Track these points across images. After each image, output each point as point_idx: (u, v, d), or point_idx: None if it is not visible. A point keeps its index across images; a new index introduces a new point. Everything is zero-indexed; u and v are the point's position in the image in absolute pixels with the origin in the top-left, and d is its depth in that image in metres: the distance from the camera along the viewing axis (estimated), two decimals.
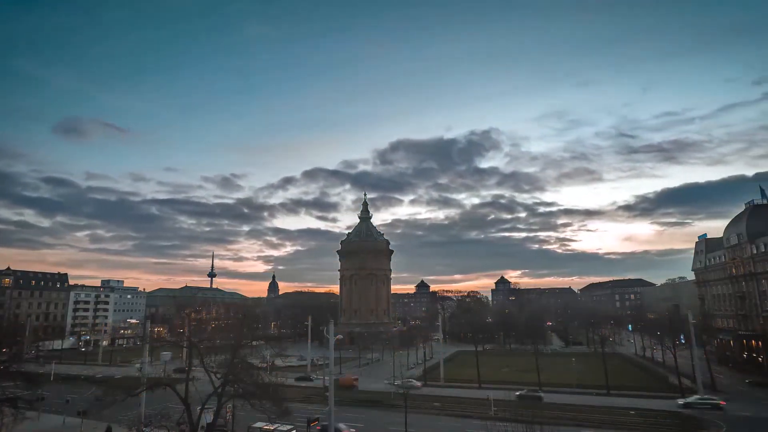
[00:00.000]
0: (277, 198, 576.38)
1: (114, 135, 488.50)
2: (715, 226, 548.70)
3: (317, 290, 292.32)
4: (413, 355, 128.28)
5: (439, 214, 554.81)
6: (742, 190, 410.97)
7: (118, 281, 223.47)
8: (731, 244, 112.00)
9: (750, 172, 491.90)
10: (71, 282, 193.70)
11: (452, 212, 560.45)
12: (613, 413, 65.22)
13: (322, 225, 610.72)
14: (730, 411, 66.90)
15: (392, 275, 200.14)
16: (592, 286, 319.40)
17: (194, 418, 42.27)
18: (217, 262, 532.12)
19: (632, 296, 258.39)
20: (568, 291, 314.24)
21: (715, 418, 62.71)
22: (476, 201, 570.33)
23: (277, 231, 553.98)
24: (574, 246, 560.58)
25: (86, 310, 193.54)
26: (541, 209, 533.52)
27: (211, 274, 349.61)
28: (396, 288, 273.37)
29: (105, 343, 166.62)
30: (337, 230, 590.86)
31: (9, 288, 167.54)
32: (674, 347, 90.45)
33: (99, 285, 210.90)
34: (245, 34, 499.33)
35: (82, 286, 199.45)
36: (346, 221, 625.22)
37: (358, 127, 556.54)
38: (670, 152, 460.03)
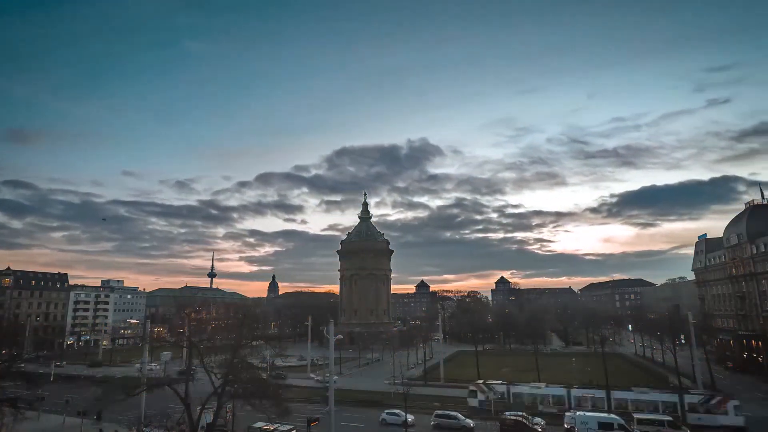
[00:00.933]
0: (236, 200, 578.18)
1: (69, 140, 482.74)
2: (687, 227, 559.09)
3: (316, 290, 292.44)
4: (413, 355, 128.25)
5: (408, 215, 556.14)
6: (701, 192, 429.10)
7: (118, 281, 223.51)
8: (731, 244, 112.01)
9: (705, 176, 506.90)
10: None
11: (420, 213, 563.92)
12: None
13: (294, 227, 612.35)
14: None
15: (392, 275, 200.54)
16: (592, 286, 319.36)
17: (194, 418, 42.29)
18: (200, 262, 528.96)
19: (632, 296, 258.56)
20: (568, 291, 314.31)
21: None
22: (440, 203, 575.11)
23: (254, 233, 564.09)
24: (553, 247, 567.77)
25: (86, 310, 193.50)
26: (510, 210, 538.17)
27: (211, 274, 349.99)
28: (396, 288, 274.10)
29: (105, 343, 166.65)
30: (311, 231, 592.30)
31: (9, 288, 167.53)
32: (674, 347, 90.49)
33: (99, 285, 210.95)
34: (189, 48, 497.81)
35: (82, 286, 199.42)
36: (317, 223, 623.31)
37: (309, 134, 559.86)
38: (625, 157, 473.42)
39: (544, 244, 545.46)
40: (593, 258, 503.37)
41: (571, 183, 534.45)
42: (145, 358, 68.68)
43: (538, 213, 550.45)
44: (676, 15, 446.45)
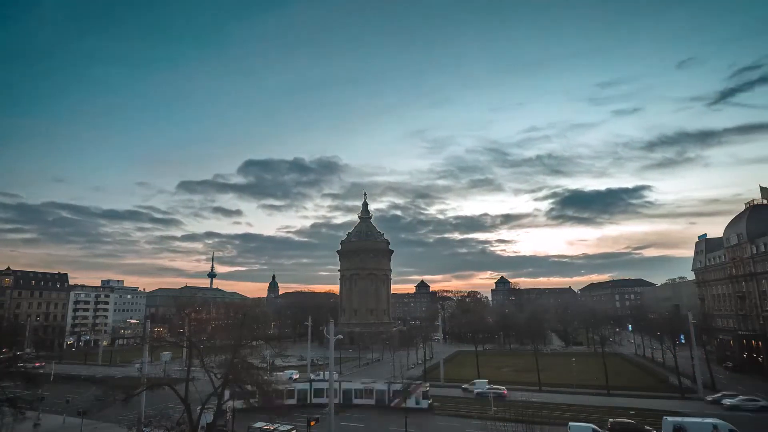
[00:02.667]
0: (181, 205, 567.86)
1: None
2: (629, 230, 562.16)
3: (316, 290, 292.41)
4: (413, 355, 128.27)
5: (354, 218, 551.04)
6: (629, 197, 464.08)
7: (118, 281, 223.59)
8: (731, 244, 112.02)
9: (630, 184, 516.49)
10: None
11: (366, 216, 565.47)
12: (613, 413, 65.17)
13: (243, 229, 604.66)
14: (731, 410, 66.90)
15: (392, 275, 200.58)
16: (592, 286, 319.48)
17: (194, 418, 42.30)
18: (166, 262, 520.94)
19: (632, 296, 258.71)
20: (568, 291, 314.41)
21: (715, 417, 62.60)
22: (381, 206, 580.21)
23: (210, 234, 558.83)
24: (516, 248, 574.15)
25: (86, 310, 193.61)
26: (455, 214, 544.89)
27: (211, 274, 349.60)
28: (396, 288, 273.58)
29: (105, 343, 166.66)
30: (261, 233, 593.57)
31: (9, 288, 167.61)
32: (674, 347, 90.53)
33: (99, 285, 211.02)
34: (108, 73, 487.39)
35: (82, 286, 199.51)
36: (259, 227, 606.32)
37: (228, 144, 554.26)
38: (551, 166, 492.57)
39: (502, 246, 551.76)
40: (563, 260, 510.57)
41: (508, 190, 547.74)
42: (145, 358, 68.66)
43: (485, 216, 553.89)
44: (578, 29, 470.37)
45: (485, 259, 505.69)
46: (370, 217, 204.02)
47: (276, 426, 51.41)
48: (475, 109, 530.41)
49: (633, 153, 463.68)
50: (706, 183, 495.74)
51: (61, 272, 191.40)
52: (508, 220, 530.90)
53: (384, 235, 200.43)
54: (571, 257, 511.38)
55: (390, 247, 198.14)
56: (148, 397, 56.59)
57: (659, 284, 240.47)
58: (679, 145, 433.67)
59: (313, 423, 47.78)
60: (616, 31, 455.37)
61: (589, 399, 76.17)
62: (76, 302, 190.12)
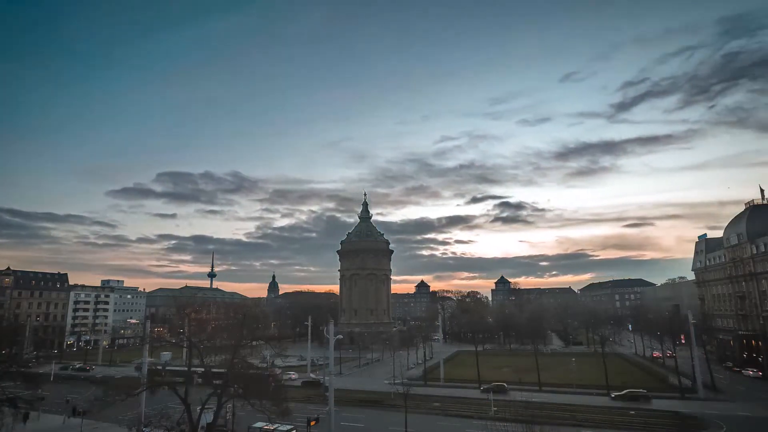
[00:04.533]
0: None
1: None
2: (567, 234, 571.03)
3: (315, 290, 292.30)
4: (413, 355, 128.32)
5: (290, 220, 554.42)
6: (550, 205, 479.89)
7: (118, 281, 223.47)
8: (731, 244, 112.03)
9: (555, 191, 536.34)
10: None
11: (301, 218, 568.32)
12: (613, 413, 65.25)
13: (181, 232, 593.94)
14: (730, 410, 66.95)
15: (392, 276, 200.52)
16: (592, 286, 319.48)
17: (194, 418, 42.28)
18: (126, 261, 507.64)
19: (632, 296, 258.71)
20: (568, 291, 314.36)
21: (714, 417, 62.73)
22: (316, 209, 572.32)
23: (168, 237, 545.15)
24: (473, 250, 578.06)
25: (86, 310, 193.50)
26: (403, 218, 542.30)
27: (211, 274, 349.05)
28: (396, 288, 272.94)
29: (105, 343, 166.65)
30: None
31: (9, 288, 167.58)
32: (674, 347, 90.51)
33: (99, 285, 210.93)
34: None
35: (82, 286, 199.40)
36: (191, 230, 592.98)
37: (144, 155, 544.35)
38: (480, 175, 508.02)
39: (453, 248, 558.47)
40: (521, 261, 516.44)
41: (446, 196, 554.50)
42: (145, 358, 68.62)
43: (433, 219, 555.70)
44: (443, 55, 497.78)
45: (446, 262, 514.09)
46: (370, 217, 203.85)
47: (276, 426, 51.39)
48: (385, 122, 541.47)
49: (550, 163, 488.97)
50: (631, 190, 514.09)
51: (61, 272, 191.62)
52: (456, 222, 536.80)
53: (384, 235, 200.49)
54: (532, 257, 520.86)
55: (390, 247, 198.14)
56: (148, 397, 56.59)
57: (659, 284, 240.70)
58: (589, 155, 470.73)
59: (313, 423, 47.78)
60: (510, 46, 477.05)
61: (589, 399, 76.14)
62: (76, 302, 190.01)
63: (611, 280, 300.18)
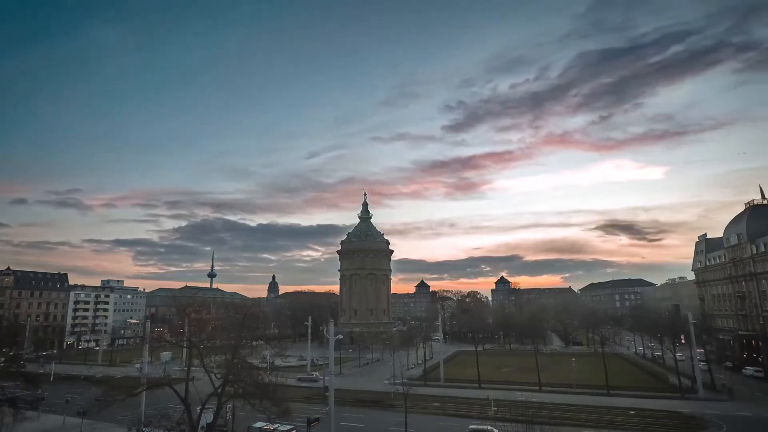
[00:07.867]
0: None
1: None
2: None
3: (315, 290, 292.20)
4: (413, 355, 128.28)
5: (178, 223, 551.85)
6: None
7: (118, 281, 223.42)
8: (731, 244, 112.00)
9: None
10: None
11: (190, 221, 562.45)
12: (613, 413, 65.19)
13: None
14: (730, 410, 66.95)
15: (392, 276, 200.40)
16: (592, 286, 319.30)
17: (194, 418, 42.28)
18: (90, 262, 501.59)
19: (632, 296, 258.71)
20: (568, 291, 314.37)
21: (714, 417, 62.72)
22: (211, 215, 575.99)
23: (120, 242, 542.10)
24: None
25: (86, 310, 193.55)
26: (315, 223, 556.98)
27: (211, 274, 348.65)
28: (396, 288, 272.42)
29: (105, 343, 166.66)
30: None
31: (9, 288, 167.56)
32: (674, 347, 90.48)
33: (99, 285, 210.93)
34: None
35: (82, 286, 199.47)
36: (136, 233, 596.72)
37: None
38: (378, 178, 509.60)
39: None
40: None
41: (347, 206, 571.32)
42: (145, 358, 68.64)
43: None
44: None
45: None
46: (370, 217, 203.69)
47: (276, 426, 51.38)
48: (265, 137, 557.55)
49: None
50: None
51: (61, 272, 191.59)
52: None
53: (383, 235, 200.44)
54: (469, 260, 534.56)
55: (390, 247, 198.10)
56: (148, 397, 56.60)
57: (659, 284, 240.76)
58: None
59: (314, 423, 47.78)
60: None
61: (589, 399, 76.11)
62: (76, 302, 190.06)
63: (611, 280, 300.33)
